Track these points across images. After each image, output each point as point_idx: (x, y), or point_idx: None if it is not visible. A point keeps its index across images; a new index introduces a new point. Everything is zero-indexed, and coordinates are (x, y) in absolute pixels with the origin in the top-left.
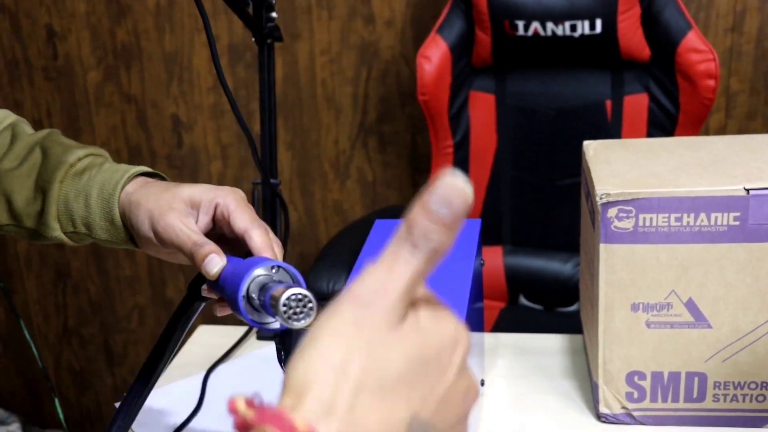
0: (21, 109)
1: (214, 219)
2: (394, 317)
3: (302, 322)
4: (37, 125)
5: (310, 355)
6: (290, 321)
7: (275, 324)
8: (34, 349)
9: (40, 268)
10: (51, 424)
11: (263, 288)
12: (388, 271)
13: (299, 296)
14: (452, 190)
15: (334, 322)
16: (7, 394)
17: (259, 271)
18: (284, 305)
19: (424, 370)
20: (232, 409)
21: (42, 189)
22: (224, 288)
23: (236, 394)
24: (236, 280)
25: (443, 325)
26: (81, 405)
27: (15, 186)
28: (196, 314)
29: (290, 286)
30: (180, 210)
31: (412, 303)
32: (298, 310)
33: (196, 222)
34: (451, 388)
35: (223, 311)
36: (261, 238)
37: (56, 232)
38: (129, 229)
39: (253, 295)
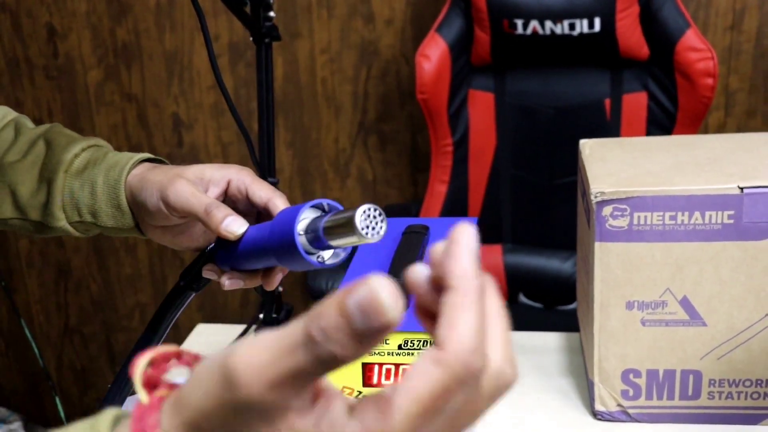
0: (22, 107)
1: (226, 195)
2: (258, 407)
3: (380, 233)
4: (37, 124)
5: (188, 393)
6: (368, 234)
7: (330, 257)
8: (35, 348)
9: (41, 267)
10: (53, 423)
11: (311, 225)
12: (271, 356)
13: (371, 209)
14: (375, 305)
15: (204, 387)
16: (8, 393)
17: (306, 213)
18: (363, 218)
19: None
20: (130, 374)
21: (47, 180)
22: (251, 251)
23: (150, 351)
24: (283, 225)
25: None
26: (82, 403)
27: (19, 178)
28: (185, 304)
29: (353, 208)
30: (188, 179)
31: (294, 411)
32: (373, 223)
33: (206, 193)
34: None
35: (234, 284)
36: (286, 204)
37: (61, 222)
38: (135, 214)
39: (301, 234)
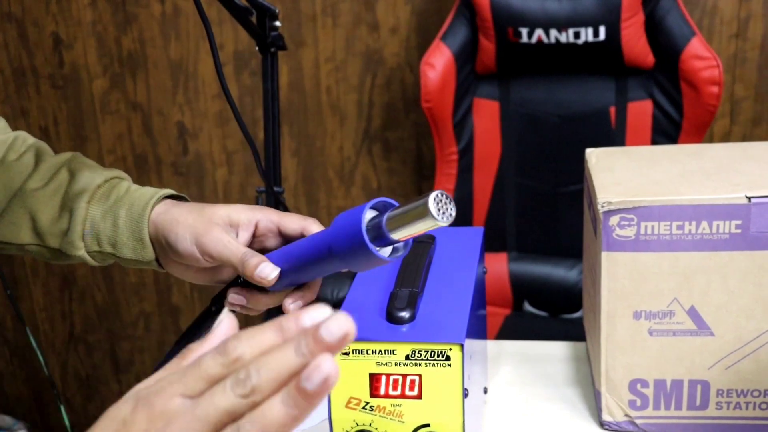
0: (27, 117)
1: (255, 236)
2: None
3: (452, 215)
4: (43, 133)
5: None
6: (442, 218)
7: (389, 252)
8: (40, 356)
9: (46, 275)
10: (57, 431)
11: (370, 223)
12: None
13: (441, 194)
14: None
15: (109, 416)
16: (13, 401)
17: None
18: (436, 203)
19: None
20: None
21: (69, 209)
22: (310, 260)
23: None
24: (347, 227)
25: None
26: (87, 412)
27: (40, 205)
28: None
29: (422, 197)
30: (221, 225)
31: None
32: (444, 207)
33: (237, 238)
34: None
35: (295, 305)
36: (320, 227)
37: (80, 251)
38: (156, 249)
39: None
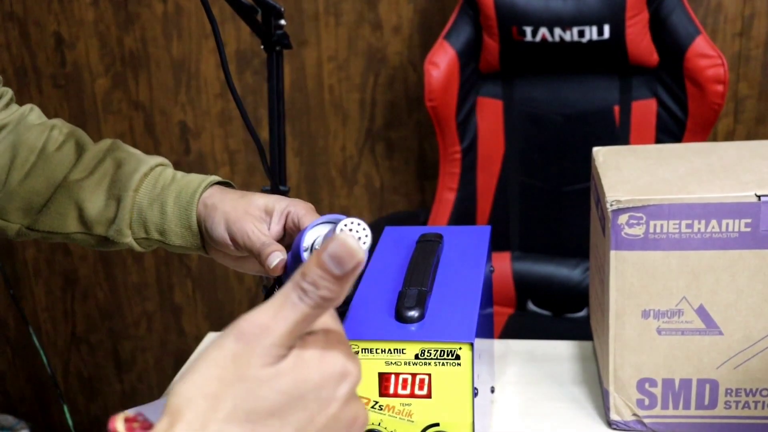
0: None
1: (285, 228)
2: (272, 356)
3: (365, 243)
4: None
5: (188, 381)
6: None
7: None
8: (42, 356)
9: (48, 275)
10: (60, 431)
11: (324, 237)
12: (275, 313)
13: (351, 223)
14: (346, 251)
15: (215, 353)
16: (16, 401)
17: (319, 229)
18: (345, 231)
19: (301, 403)
20: (112, 428)
21: (116, 197)
22: (291, 269)
23: (120, 413)
24: (295, 245)
25: (328, 362)
26: (89, 412)
27: (86, 195)
28: None
29: (340, 220)
30: (255, 216)
31: (301, 340)
32: (356, 236)
33: (269, 229)
34: (334, 418)
35: None
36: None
37: (128, 238)
38: (202, 234)
39: (317, 248)
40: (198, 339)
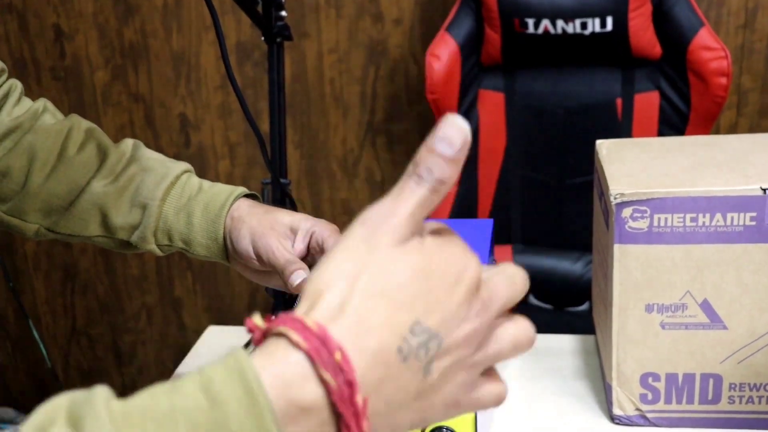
0: None
1: (308, 247)
2: (399, 236)
3: None
4: None
5: (325, 267)
6: None
7: None
8: (42, 349)
9: (48, 268)
10: None
11: None
12: (395, 199)
13: None
14: (452, 129)
15: (346, 241)
16: (16, 394)
17: None
18: None
19: (427, 283)
20: (250, 325)
21: (141, 205)
22: None
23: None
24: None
25: (449, 249)
26: None
27: (110, 201)
28: None
29: None
30: (280, 232)
31: (419, 231)
32: None
33: (293, 246)
34: (460, 306)
35: None
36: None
37: (151, 245)
38: (227, 246)
39: None
40: (198, 332)
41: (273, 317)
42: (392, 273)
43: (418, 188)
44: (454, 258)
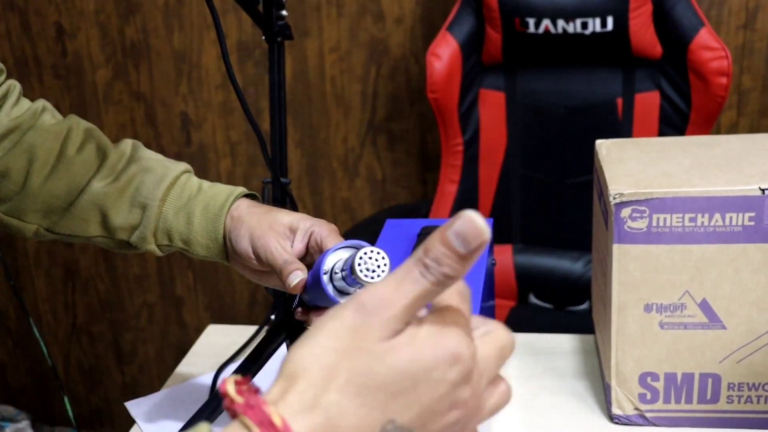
0: None
1: (307, 246)
2: (390, 330)
3: (379, 277)
4: None
5: (306, 349)
6: (366, 278)
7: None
8: (43, 347)
9: (49, 266)
10: (60, 422)
11: (345, 262)
12: (396, 287)
13: (372, 252)
14: (472, 229)
15: (334, 324)
16: (16, 392)
17: (341, 253)
18: (358, 264)
19: (410, 382)
20: (223, 391)
21: (141, 205)
22: (310, 289)
23: (229, 376)
24: (315, 267)
25: (442, 343)
26: (90, 403)
27: (110, 202)
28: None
29: (362, 247)
30: (279, 232)
31: (415, 318)
32: (371, 266)
33: (292, 246)
34: (443, 398)
35: (303, 316)
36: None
37: (151, 245)
38: (226, 245)
39: (337, 272)
40: (199, 331)
41: (245, 386)
42: (374, 372)
43: (421, 279)
44: (446, 350)
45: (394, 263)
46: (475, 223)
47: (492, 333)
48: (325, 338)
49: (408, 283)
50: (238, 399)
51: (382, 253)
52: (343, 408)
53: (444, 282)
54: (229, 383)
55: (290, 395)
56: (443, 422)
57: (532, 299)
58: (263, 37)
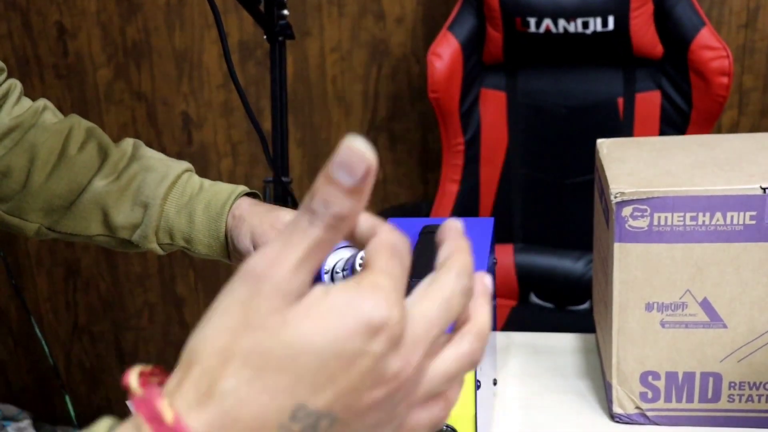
0: None
1: None
2: (284, 295)
3: None
4: None
5: (200, 334)
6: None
7: None
8: (45, 346)
9: (50, 266)
10: (61, 421)
11: (346, 261)
12: (284, 242)
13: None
14: (353, 155)
15: (225, 300)
16: (18, 391)
17: (342, 252)
18: (359, 263)
19: (319, 356)
20: (125, 382)
21: (143, 204)
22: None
23: (136, 365)
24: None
25: (353, 310)
26: (91, 402)
27: (111, 201)
28: None
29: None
30: (281, 231)
31: (311, 281)
32: None
33: None
34: (366, 375)
35: None
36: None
37: (153, 244)
38: (228, 244)
39: (339, 272)
40: None
41: (154, 377)
42: (271, 351)
43: (310, 228)
44: (359, 318)
45: None
46: (355, 149)
47: (433, 284)
48: (218, 318)
49: (296, 235)
50: (138, 391)
51: None
52: (241, 395)
53: (338, 225)
54: (132, 374)
55: (185, 384)
56: (370, 401)
57: (533, 299)
58: (264, 37)
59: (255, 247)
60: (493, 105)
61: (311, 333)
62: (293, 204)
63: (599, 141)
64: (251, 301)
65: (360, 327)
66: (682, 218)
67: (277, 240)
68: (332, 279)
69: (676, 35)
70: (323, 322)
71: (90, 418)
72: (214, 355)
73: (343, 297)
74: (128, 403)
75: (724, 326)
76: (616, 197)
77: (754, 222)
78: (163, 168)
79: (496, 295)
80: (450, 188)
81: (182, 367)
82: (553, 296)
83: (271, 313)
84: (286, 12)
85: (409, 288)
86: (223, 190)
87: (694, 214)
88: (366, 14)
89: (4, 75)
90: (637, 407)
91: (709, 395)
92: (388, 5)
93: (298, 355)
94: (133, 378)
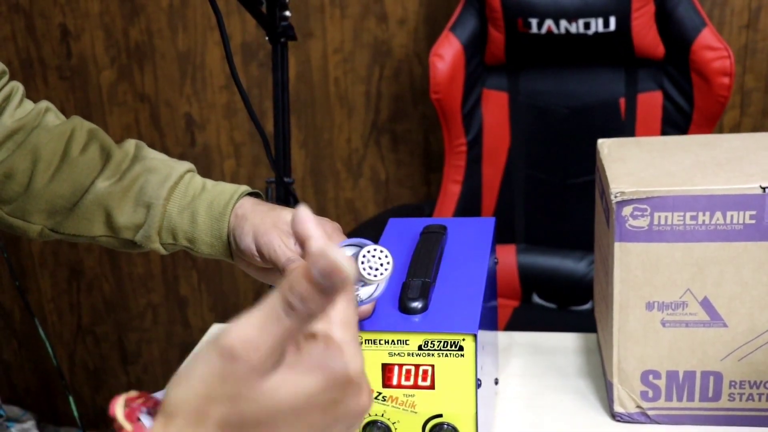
0: None
1: None
2: (259, 372)
3: (381, 275)
4: None
5: (182, 388)
6: (369, 276)
7: (361, 292)
8: (48, 347)
9: (54, 267)
10: (65, 422)
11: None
12: (261, 328)
13: (375, 250)
14: (334, 267)
15: (202, 370)
16: (22, 392)
17: (344, 251)
18: (361, 262)
19: (290, 418)
20: (111, 413)
21: (145, 205)
22: None
23: (123, 394)
24: None
25: (304, 385)
26: (95, 403)
27: (114, 201)
28: None
29: (366, 245)
30: (283, 230)
31: (295, 348)
32: (374, 264)
33: (295, 244)
34: (324, 418)
35: None
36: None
37: (155, 244)
38: (230, 243)
39: None
40: (203, 331)
41: (141, 398)
42: (247, 414)
43: (285, 319)
44: (313, 389)
45: (397, 262)
46: (335, 262)
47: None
48: (197, 383)
49: (272, 323)
50: (127, 426)
51: (385, 252)
52: None
53: (310, 319)
54: (118, 405)
55: (171, 429)
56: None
57: (536, 299)
58: (267, 38)
59: (257, 247)
60: (495, 106)
61: (286, 398)
62: (295, 204)
63: (600, 141)
64: (229, 377)
65: (333, 386)
66: (682, 218)
67: (254, 321)
68: None
69: (677, 36)
70: (297, 388)
71: (94, 419)
72: (196, 413)
73: (296, 374)
74: None
75: (725, 325)
76: (616, 197)
77: (754, 221)
78: (166, 168)
79: (498, 296)
80: (452, 189)
81: (166, 415)
82: (556, 297)
83: (248, 386)
84: (288, 13)
85: (409, 287)
86: (226, 189)
87: (694, 213)
88: (368, 15)
89: (6, 78)
90: (638, 406)
91: (710, 394)
92: (390, 6)
93: (272, 416)
94: (119, 410)
